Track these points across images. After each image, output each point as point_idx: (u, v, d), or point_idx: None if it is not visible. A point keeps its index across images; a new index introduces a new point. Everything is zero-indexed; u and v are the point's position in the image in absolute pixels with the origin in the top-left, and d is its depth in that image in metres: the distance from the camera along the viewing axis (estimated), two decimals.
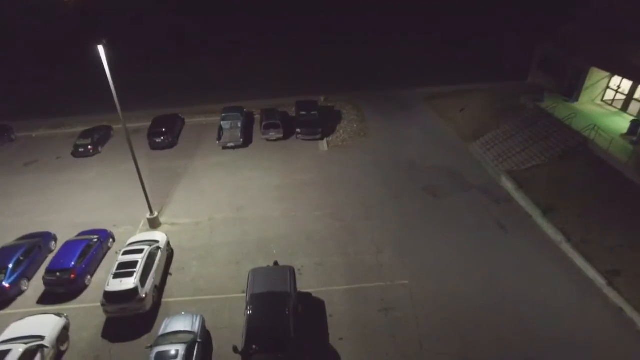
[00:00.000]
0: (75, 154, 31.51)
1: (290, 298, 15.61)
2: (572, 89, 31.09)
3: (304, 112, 34.01)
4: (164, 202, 25.47)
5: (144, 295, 16.76)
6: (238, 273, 19.35)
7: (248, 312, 14.96)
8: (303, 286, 18.57)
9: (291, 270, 17.25)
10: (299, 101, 35.83)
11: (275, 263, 18.85)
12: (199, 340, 14.89)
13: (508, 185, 25.58)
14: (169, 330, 15.25)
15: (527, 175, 25.71)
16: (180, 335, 14.85)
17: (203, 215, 23.97)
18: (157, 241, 19.91)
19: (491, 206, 24.06)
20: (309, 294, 18.20)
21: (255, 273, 17.17)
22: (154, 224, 22.90)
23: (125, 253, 18.31)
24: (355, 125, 35.17)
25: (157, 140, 31.75)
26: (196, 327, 15.42)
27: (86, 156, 31.62)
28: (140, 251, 18.27)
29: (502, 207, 24.00)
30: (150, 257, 18.36)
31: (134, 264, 17.47)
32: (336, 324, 16.71)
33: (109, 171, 29.63)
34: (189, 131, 35.47)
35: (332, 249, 20.87)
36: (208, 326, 16.64)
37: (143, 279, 17.15)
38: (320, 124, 32.80)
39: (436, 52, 52.08)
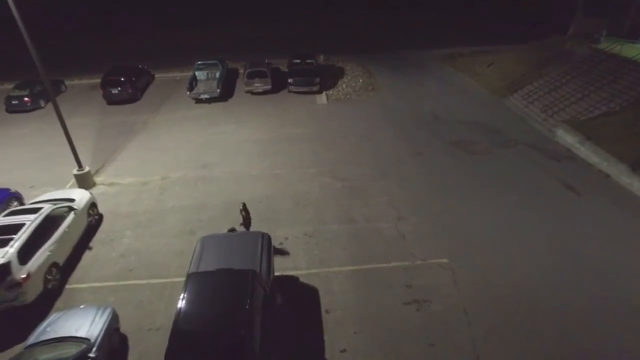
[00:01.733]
0: (8, 107, 24.98)
1: (259, 281, 9.16)
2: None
3: (297, 61, 27.47)
4: (107, 159, 19.01)
5: (23, 276, 10.30)
6: (189, 246, 12.83)
7: (179, 305, 8.49)
8: (286, 266, 12.14)
9: (265, 239, 10.81)
10: (292, 53, 29.23)
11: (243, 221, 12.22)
12: (92, 355, 8.41)
13: (567, 139, 19.05)
14: (47, 336, 8.81)
15: (592, 126, 19.14)
16: (61, 347, 8.40)
17: (155, 174, 17.47)
18: (71, 200, 13.47)
19: (549, 164, 17.53)
20: (294, 278, 11.75)
21: (207, 242, 10.75)
22: (84, 183, 16.43)
23: (11, 214, 11.89)
24: (361, 80, 28.65)
25: (114, 92, 25.22)
26: (95, 331, 8.95)
27: (22, 111, 25.11)
28: (33, 211, 11.83)
29: (565, 165, 17.48)
30: (51, 221, 11.91)
31: (14, 228, 11.01)
32: (336, 326, 10.25)
33: (47, 127, 23.10)
34: (159, 87, 28.98)
35: (330, 214, 14.39)
36: (126, 327, 10.19)
37: (27, 252, 10.69)
38: (318, 74, 26.23)
39: (452, 14, 45.54)
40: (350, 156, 18.37)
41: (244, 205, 12.84)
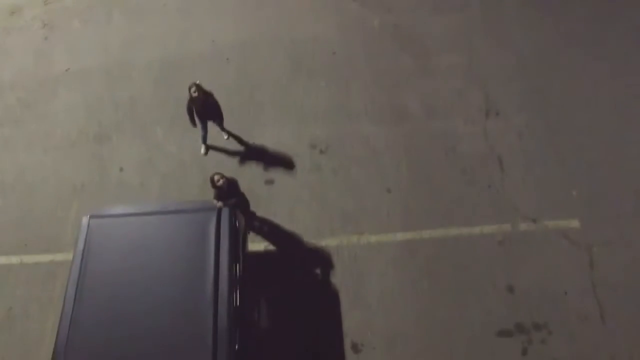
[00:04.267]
0: None
1: None
2: None
3: None
4: None
5: None
6: (98, 186, 7.01)
7: None
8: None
9: (226, 228, 4.91)
10: None
11: None
12: None
13: None
14: None
15: None
16: None
17: None
18: None
19: None
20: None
21: (98, 236, 4.97)
22: None
23: None
24: None
25: None
26: None
27: None
28: None
29: None
30: None
31: None
32: None
33: None
34: None
35: (362, 94, 7.57)
36: None
37: None
38: None
39: None
40: None
41: (199, 87, 6.13)
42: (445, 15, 8.58)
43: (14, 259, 6.57)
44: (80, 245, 4.93)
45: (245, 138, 7.21)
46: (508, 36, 8.27)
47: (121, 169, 7.09)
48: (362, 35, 8.34)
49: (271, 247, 6.36)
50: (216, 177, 5.12)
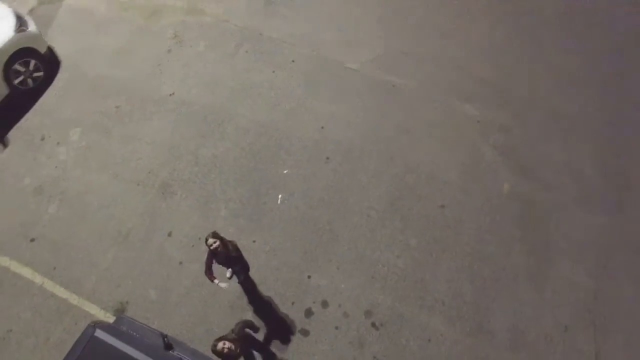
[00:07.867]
0: None
1: None
2: None
3: None
4: None
5: None
6: (157, 218, 6.57)
7: None
8: None
9: None
10: None
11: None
12: None
13: None
14: None
15: None
16: None
17: None
18: None
19: None
20: None
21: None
22: None
23: None
24: None
25: None
26: None
27: None
28: None
29: None
30: None
31: None
32: None
33: None
34: None
35: (449, 275, 6.34)
36: None
37: None
38: None
39: None
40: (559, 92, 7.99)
41: (215, 237, 5.06)
42: (594, 214, 6.88)
43: (38, 279, 6.43)
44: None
45: (303, 267, 6.33)
46: None
47: (169, 234, 6.61)
48: (483, 197, 6.95)
49: None
50: (220, 345, 4.29)
